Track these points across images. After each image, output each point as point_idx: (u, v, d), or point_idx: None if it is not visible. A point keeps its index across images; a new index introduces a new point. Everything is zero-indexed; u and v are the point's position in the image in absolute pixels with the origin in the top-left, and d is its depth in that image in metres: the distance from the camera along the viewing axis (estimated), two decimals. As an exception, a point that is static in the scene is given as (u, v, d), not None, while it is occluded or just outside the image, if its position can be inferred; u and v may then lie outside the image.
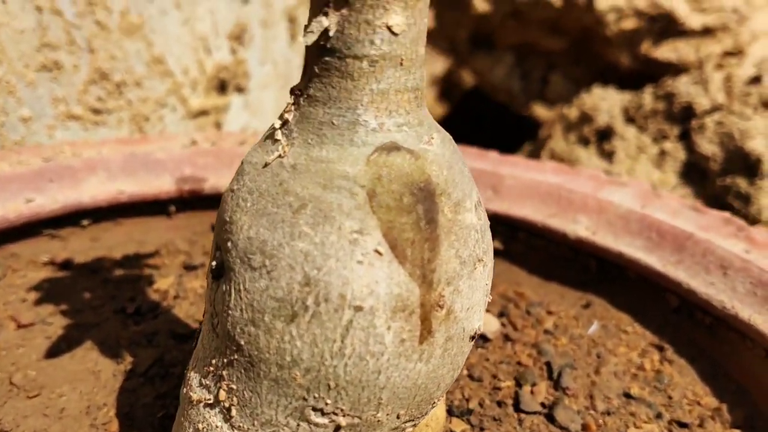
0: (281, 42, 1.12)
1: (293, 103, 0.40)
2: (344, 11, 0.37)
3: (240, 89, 1.04)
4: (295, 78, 1.17)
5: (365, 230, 0.37)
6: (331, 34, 0.37)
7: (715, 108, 0.98)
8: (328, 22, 0.37)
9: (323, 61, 0.38)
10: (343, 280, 0.37)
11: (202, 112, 0.98)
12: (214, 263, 0.41)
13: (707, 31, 1.28)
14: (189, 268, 0.72)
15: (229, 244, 0.39)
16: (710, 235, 0.65)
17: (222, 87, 1.01)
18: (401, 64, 0.38)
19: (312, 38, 0.37)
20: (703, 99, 0.98)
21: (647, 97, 1.03)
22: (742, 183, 0.95)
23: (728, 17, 1.27)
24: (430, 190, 0.38)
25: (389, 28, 0.37)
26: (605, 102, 1.07)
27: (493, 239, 0.77)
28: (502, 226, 0.75)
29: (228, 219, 0.40)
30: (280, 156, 0.39)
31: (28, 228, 0.71)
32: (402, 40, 0.37)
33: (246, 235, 0.38)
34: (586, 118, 1.08)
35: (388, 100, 0.38)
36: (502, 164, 0.79)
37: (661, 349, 0.64)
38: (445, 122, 1.57)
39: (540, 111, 1.40)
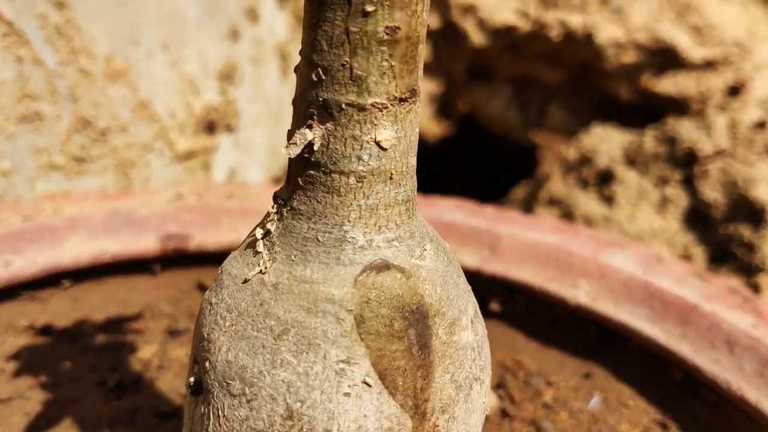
0: (272, 79, 1.09)
1: (276, 212, 0.37)
2: (329, 125, 0.34)
3: (230, 128, 1.01)
4: (287, 115, 1.14)
5: (353, 359, 0.34)
6: (315, 148, 0.34)
7: (719, 153, 0.95)
8: (312, 135, 0.34)
9: (308, 174, 0.35)
10: (328, 415, 0.34)
11: (190, 154, 0.96)
12: (192, 379, 0.38)
13: (709, 65, 1.25)
14: (173, 333, 0.69)
15: (207, 364, 0.37)
16: (715, 307, 0.63)
17: (211, 128, 0.98)
18: (391, 177, 0.35)
19: (295, 151, 0.35)
20: (706, 144, 0.96)
21: (648, 140, 1.00)
22: (745, 231, 0.93)
23: (730, 50, 1.25)
24: (422, 312, 0.36)
25: (378, 144, 0.34)
26: (605, 143, 1.04)
27: (490, 301, 0.74)
28: (500, 288, 0.73)
29: (206, 336, 0.37)
30: (261, 272, 0.36)
31: (6, 291, 0.68)
32: (392, 154, 0.35)
33: (225, 357, 0.36)
34: (585, 160, 1.05)
35: (377, 216, 0.35)
36: (499, 221, 0.76)
37: (664, 426, 0.61)
38: (442, 144, 1.54)
39: (538, 138, 1.38)
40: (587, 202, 0.99)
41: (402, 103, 0.34)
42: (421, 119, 1.38)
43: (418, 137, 0.37)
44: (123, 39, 0.85)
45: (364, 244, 0.35)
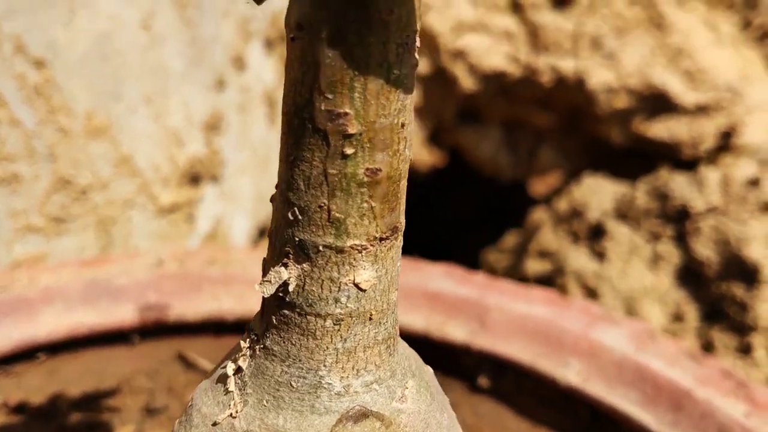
0: (259, 125, 1.07)
1: (249, 347, 0.35)
2: (305, 266, 0.32)
3: (215, 178, 0.99)
4: (274, 162, 1.12)
5: None
6: (290, 288, 0.33)
7: (711, 210, 0.94)
8: (288, 274, 0.33)
9: (282, 313, 0.33)
10: None
11: (174, 208, 0.94)
12: None
13: (701, 109, 1.24)
14: (151, 411, 0.67)
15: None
16: (709, 392, 0.61)
17: (195, 179, 0.96)
18: (370, 318, 0.33)
19: (269, 289, 0.33)
20: (699, 201, 0.95)
21: (640, 194, 0.99)
22: (738, 290, 0.91)
23: (722, 95, 1.24)
24: (403, 460, 0.34)
25: (357, 285, 0.32)
26: (596, 196, 1.03)
27: (479, 377, 0.72)
28: (489, 363, 0.71)
29: (174, 477, 0.35)
30: (231, 415, 0.34)
31: (-23, 369, 0.66)
32: (371, 294, 0.33)
33: (193, 504, 0.34)
34: (575, 213, 1.04)
35: (355, 359, 0.33)
36: (489, 291, 0.74)
37: None
38: (433, 177, 1.52)
39: (530, 184, 1.36)
40: (578, 258, 0.97)
41: (383, 241, 0.32)
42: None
43: (399, 270, 0.35)
44: (105, 95, 0.83)
45: (341, 390, 0.33)
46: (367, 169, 0.31)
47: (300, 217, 0.32)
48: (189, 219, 0.97)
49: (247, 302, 0.74)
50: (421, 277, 0.76)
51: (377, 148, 0.31)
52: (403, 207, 0.33)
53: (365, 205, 0.31)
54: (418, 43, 0.31)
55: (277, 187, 0.33)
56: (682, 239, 0.96)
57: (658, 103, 1.23)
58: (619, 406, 0.63)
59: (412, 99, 0.32)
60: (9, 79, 0.73)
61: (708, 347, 0.94)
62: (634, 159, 1.30)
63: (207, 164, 0.97)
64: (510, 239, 1.16)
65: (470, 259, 1.45)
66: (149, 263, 0.75)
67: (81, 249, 0.84)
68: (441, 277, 0.77)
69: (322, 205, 0.31)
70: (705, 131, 1.24)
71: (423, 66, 1.20)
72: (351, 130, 0.30)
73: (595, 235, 1.00)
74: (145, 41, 0.86)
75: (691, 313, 0.94)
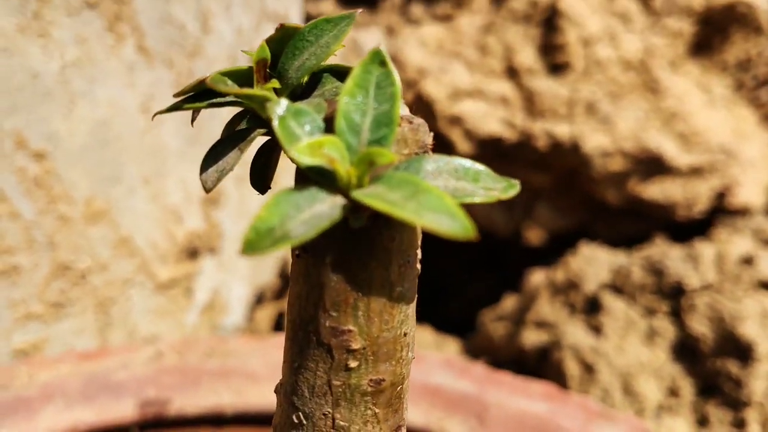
0: (255, 196, 1.08)
1: None
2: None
3: (213, 251, 1.00)
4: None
5: None
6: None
7: (706, 288, 0.95)
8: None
9: None
10: None
11: (173, 283, 0.94)
12: None
13: (695, 171, 1.25)
14: None
15: None
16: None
17: (194, 253, 0.96)
18: None
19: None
20: (693, 278, 0.95)
21: (636, 270, 0.99)
22: (733, 367, 0.92)
23: (716, 157, 1.25)
24: None
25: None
26: (592, 268, 1.04)
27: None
28: (486, 462, 0.71)
29: None
30: None
31: (-24, 473, 0.66)
32: (375, 493, 0.33)
33: None
34: (572, 284, 1.04)
35: None
36: (487, 385, 0.75)
37: None
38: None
39: (526, 233, 1.37)
40: (575, 332, 0.98)
41: (385, 443, 0.33)
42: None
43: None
44: (104, 179, 0.83)
45: None
46: (371, 380, 0.31)
47: (305, 422, 0.32)
48: (187, 293, 0.97)
49: (245, 396, 0.74)
50: (423, 369, 0.77)
51: (380, 360, 0.31)
52: (405, 404, 0.34)
53: (369, 412, 0.32)
54: (419, 255, 0.32)
55: (281, 386, 0.34)
56: (677, 315, 0.97)
57: (652, 165, 1.24)
58: None
59: (414, 305, 0.32)
60: (9, 174, 0.74)
61: (703, 421, 0.94)
62: (630, 218, 1.31)
63: (205, 238, 0.97)
64: (508, 304, 1.16)
65: (466, 310, 1.45)
66: (148, 356, 0.75)
67: (80, 331, 0.85)
68: (441, 369, 0.77)
69: (327, 413, 0.32)
70: (699, 192, 1.25)
71: (420, 130, 1.21)
72: (355, 346, 0.30)
73: (592, 308, 1.01)
74: (143, 124, 0.86)
75: (687, 388, 0.95)
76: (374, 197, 0.25)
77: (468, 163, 0.28)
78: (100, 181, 0.83)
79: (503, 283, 1.43)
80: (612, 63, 1.22)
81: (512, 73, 1.21)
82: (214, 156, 0.31)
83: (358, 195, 0.26)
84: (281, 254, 1.18)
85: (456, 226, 0.23)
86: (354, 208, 0.27)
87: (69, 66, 0.76)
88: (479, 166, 0.28)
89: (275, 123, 0.26)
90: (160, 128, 0.88)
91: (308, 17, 1.32)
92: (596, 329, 0.99)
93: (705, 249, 0.98)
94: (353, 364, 0.31)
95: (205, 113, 1.04)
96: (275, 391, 0.35)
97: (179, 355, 0.76)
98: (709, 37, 1.31)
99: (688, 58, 1.29)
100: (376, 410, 0.32)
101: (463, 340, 1.20)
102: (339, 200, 0.27)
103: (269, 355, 0.77)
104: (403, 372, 0.32)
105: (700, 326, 0.94)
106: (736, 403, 0.94)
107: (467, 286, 1.53)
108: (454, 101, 1.17)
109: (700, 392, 0.96)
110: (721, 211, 1.26)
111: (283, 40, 0.31)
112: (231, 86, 0.30)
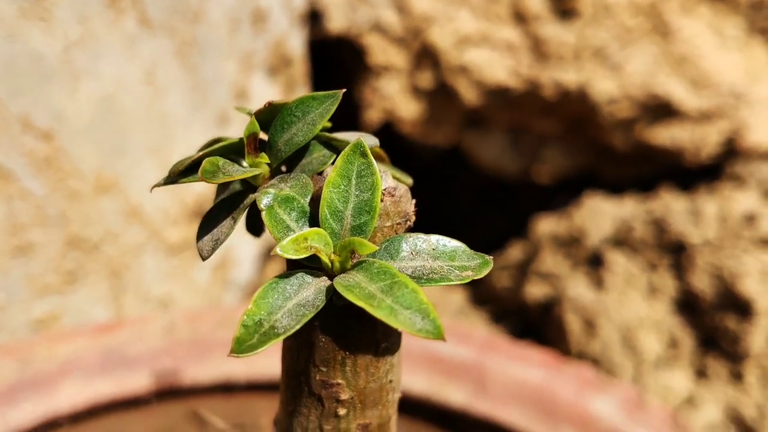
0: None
1: None
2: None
3: (222, 210, 1.01)
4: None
5: None
6: None
7: (707, 245, 0.96)
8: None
9: None
10: None
11: (184, 246, 0.97)
12: None
13: (704, 116, 1.24)
14: (169, 478, 0.72)
15: None
16: (692, 471, 0.65)
17: (203, 215, 0.99)
18: None
19: None
20: (695, 234, 0.97)
21: (639, 225, 1.01)
22: (731, 322, 0.95)
23: (726, 101, 1.24)
24: None
25: None
26: (595, 222, 1.05)
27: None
28: (487, 426, 0.75)
29: None
30: None
31: (4, 445, 0.70)
32: None
33: None
34: (575, 239, 1.06)
35: None
36: (486, 352, 0.78)
37: None
38: (438, 156, 1.53)
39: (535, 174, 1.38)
40: (577, 287, 1.00)
41: (376, 473, 0.36)
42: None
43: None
44: (111, 153, 0.85)
45: None
46: (359, 424, 0.34)
47: (300, 459, 0.35)
48: (197, 254, 1.00)
49: (254, 365, 0.77)
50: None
51: (368, 407, 0.33)
52: (393, 435, 0.36)
53: (358, 449, 0.34)
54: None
55: (277, 420, 0.36)
56: (678, 270, 0.98)
57: (661, 110, 1.23)
58: (607, 479, 0.67)
59: (399, 353, 0.34)
60: (18, 156, 0.75)
61: (701, 374, 0.97)
62: (638, 162, 1.31)
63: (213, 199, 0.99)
64: (513, 253, 1.18)
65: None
66: (161, 327, 0.78)
67: (95, 299, 0.88)
68: (441, 336, 0.80)
69: (320, 454, 0.34)
70: (708, 137, 1.25)
71: (426, 81, 1.21)
72: (343, 396, 0.33)
73: (594, 262, 1.03)
74: (148, 96, 0.87)
75: (686, 342, 0.98)
76: (353, 289, 0.27)
77: (444, 240, 0.30)
78: (107, 154, 0.84)
79: (510, 226, 1.44)
80: (621, 8, 1.20)
81: (519, 19, 1.19)
82: (209, 224, 0.32)
83: (339, 286, 0.27)
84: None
85: (428, 326, 0.25)
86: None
87: (72, 45, 0.76)
88: (455, 243, 0.30)
89: (263, 213, 0.28)
90: (164, 98, 0.89)
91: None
92: (598, 284, 1.01)
93: (708, 205, 0.99)
94: (342, 412, 0.33)
95: (210, 75, 1.04)
96: (273, 424, 0.37)
97: (191, 326, 0.79)
98: (722, -23, 1.28)
99: (700, 1, 1.26)
100: (366, 447, 0.34)
101: (466, 287, 1.23)
102: (324, 283, 0.28)
103: (278, 324, 0.80)
104: (389, 413, 0.35)
105: (700, 282, 0.96)
106: (734, 357, 0.96)
107: (474, 227, 1.55)
108: (460, 50, 1.16)
109: (699, 346, 0.99)
110: (730, 155, 1.26)
111: (272, 113, 0.32)
112: (225, 176, 0.31)
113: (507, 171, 1.35)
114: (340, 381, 0.32)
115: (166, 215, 0.93)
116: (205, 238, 0.32)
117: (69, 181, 0.81)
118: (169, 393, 0.77)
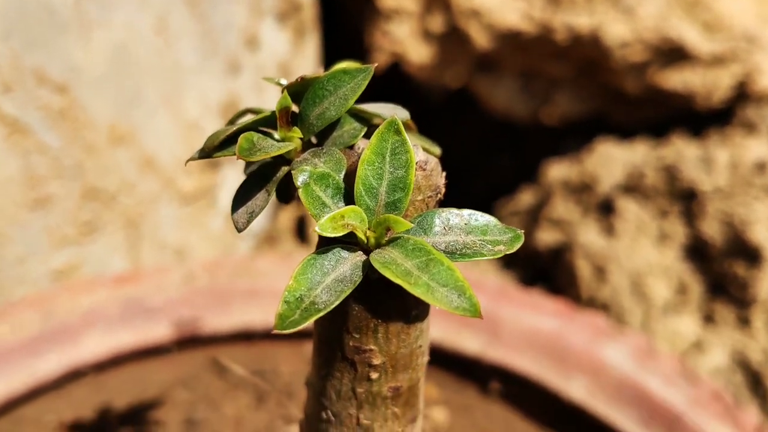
0: (275, 99, 1.09)
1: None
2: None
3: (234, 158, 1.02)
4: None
5: None
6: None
7: (718, 192, 0.97)
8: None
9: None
10: None
11: (198, 195, 0.98)
12: None
13: (716, 60, 1.23)
14: (191, 423, 0.74)
15: None
16: (699, 417, 0.67)
17: (216, 163, 0.99)
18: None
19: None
20: (706, 182, 0.97)
21: (650, 171, 1.01)
22: (740, 269, 0.96)
23: (738, 45, 1.23)
24: None
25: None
26: (606, 169, 1.05)
27: (491, 382, 0.78)
28: (499, 375, 0.76)
29: None
30: None
31: (32, 393, 0.72)
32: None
33: None
34: (585, 186, 1.06)
35: None
36: (500, 301, 0.79)
37: None
38: (448, 97, 1.53)
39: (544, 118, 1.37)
40: (587, 234, 1.01)
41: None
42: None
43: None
44: (125, 104, 0.85)
45: None
46: (390, 387, 0.35)
47: (333, 419, 0.36)
48: (212, 201, 1.01)
49: (273, 314, 0.79)
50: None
51: (399, 371, 0.35)
52: (421, 397, 0.38)
53: (389, 412, 0.36)
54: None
55: (309, 384, 0.37)
56: (688, 218, 0.99)
57: (673, 54, 1.22)
58: (617, 424, 0.69)
59: (428, 319, 0.35)
60: (34, 109, 0.76)
61: (709, 319, 0.99)
62: (649, 106, 1.31)
63: (226, 148, 0.99)
64: (524, 198, 1.19)
65: (484, 196, 1.48)
66: (180, 277, 0.80)
67: (113, 249, 0.89)
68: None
69: (352, 413, 0.35)
70: (720, 80, 1.24)
71: (436, 25, 1.19)
72: (375, 362, 0.34)
73: (605, 209, 1.04)
74: (160, 44, 0.86)
75: (694, 288, 0.99)
76: (390, 266, 0.28)
77: (477, 215, 0.30)
78: (121, 105, 0.84)
79: (520, 171, 1.45)
80: (635, -52, 1.18)
81: (531, -38, 1.17)
82: (243, 196, 0.33)
83: (376, 262, 0.28)
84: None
85: (465, 304, 0.26)
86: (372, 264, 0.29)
87: (83, -4, 0.76)
88: (487, 218, 0.30)
89: (300, 191, 0.28)
90: (176, 47, 0.89)
91: None
92: (609, 230, 1.02)
93: (720, 153, 0.99)
94: (374, 375, 0.34)
95: (219, 22, 1.03)
96: (305, 384, 0.38)
97: (209, 275, 0.80)
98: None
99: (716, -60, 1.23)
100: (396, 410, 0.36)
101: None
102: (360, 258, 0.29)
103: (294, 273, 0.81)
104: (419, 375, 0.36)
105: (710, 229, 0.97)
106: (741, 303, 0.98)
107: (482, 170, 1.56)
108: (472, -5, 1.15)
109: (708, 292, 1.00)
110: (741, 99, 1.26)
111: (304, 86, 0.32)
112: (261, 153, 0.31)
113: (518, 115, 1.34)
114: (372, 347, 0.33)
115: (180, 165, 0.94)
116: (240, 210, 0.33)
117: (84, 132, 0.81)
118: (189, 341, 0.78)
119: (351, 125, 0.32)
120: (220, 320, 0.78)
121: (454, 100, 1.49)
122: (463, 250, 0.29)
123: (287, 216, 1.15)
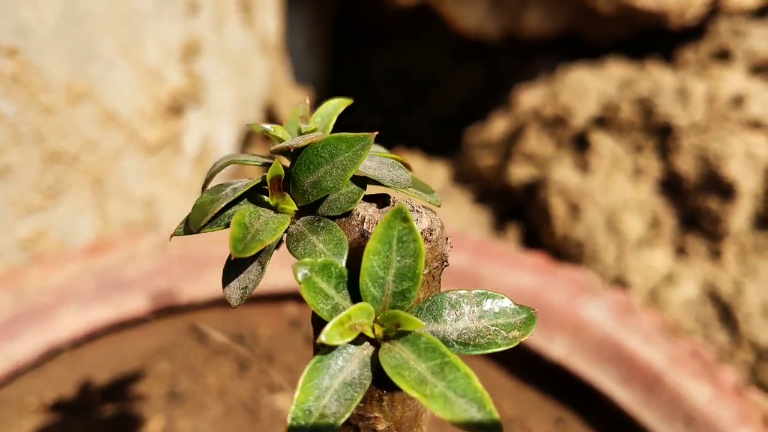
0: (236, 34, 1.04)
1: None
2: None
3: (198, 102, 0.98)
4: (252, 66, 1.10)
5: None
6: None
7: (693, 127, 0.96)
8: None
9: None
10: None
11: (162, 144, 0.94)
12: None
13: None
14: (175, 396, 0.73)
15: None
16: (678, 375, 0.68)
17: (179, 109, 0.95)
18: None
19: None
20: (682, 117, 0.96)
21: (625, 106, 0.99)
22: (713, 203, 0.96)
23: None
24: None
25: None
26: (580, 102, 1.03)
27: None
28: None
29: None
30: None
31: (11, 376, 0.71)
32: None
33: None
34: (559, 119, 1.04)
35: None
36: (481, 257, 0.78)
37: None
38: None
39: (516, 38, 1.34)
40: (562, 169, 1.00)
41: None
42: None
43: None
44: (81, 60, 0.80)
45: None
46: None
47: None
48: (177, 149, 0.97)
49: (251, 279, 0.77)
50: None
51: (403, 431, 0.34)
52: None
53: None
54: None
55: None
56: (663, 152, 0.98)
57: (647, -28, 1.18)
58: (597, 382, 0.70)
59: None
60: (-16, 78, 0.71)
61: (681, 251, 1.00)
62: (621, 23, 1.27)
63: (189, 93, 0.95)
64: (496, 129, 1.17)
65: (455, 110, 1.46)
66: (152, 246, 0.77)
67: (79, 210, 0.86)
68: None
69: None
70: (692, 2, 1.21)
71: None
72: (380, 427, 0.33)
73: (580, 144, 1.02)
74: (113, -6, 0.81)
75: (667, 221, 0.99)
76: (402, 371, 0.26)
77: (487, 297, 0.29)
78: (77, 62, 0.79)
79: (491, 90, 1.42)
80: None
81: None
82: (234, 268, 0.31)
83: (386, 365, 0.27)
84: (262, 92, 1.16)
85: (485, 419, 0.25)
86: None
87: (25, -48, 0.70)
88: (499, 298, 0.29)
89: (301, 287, 0.26)
90: (130, -7, 0.83)
91: None
92: (583, 167, 1.01)
93: (696, 85, 0.97)
94: (379, 439, 0.33)
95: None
96: None
97: (182, 242, 0.78)
98: None
99: None
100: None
101: (450, 162, 1.22)
102: (368, 351, 0.28)
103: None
104: (423, 429, 0.35)
105: (684, 164, 0.96)
106: (713, 236, 0.99)
107: (453, 87, 1.52)
108: None
109: (681, 225, 1.01)
110: (713, 15, 1.23)
111: (296, 151, 0.30)
112: (257, 243, 0.29)
113: (488, 31, 1.30)
114: (377, 414, 0.32)
115: (142, 114, 0.90)
116: (233, 284, 0.31)
117: (40, 96, 0.76)
118: (167, 311, 0.77)
119: (348, 188, 0.30)
120: (196, 288, 0.77)
121: (414, 15, 1.44)
122: (477, 340, 0.28)
123: (255, 152, 1.12)
